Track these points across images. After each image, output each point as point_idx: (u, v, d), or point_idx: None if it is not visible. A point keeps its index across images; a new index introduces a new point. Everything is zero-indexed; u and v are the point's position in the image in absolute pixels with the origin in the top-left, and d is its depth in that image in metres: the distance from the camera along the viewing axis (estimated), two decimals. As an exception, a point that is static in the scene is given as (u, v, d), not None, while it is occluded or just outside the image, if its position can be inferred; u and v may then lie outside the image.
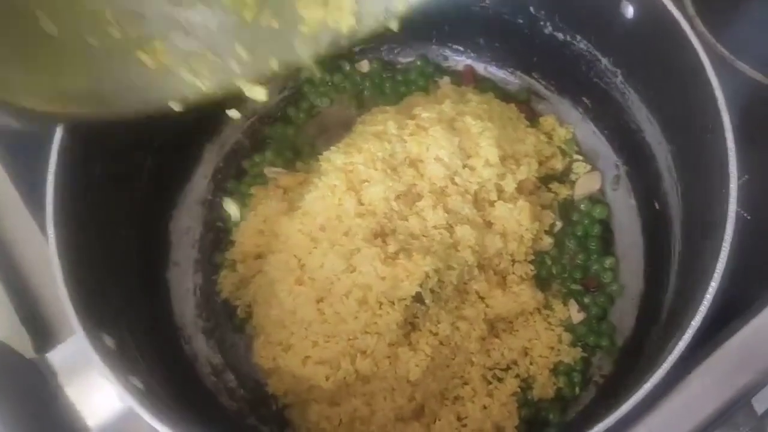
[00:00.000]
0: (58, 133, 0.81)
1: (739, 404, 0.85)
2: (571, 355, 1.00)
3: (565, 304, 1.03)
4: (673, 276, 0.93)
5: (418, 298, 0.93)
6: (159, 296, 1.04)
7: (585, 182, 1.10)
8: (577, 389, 0.99)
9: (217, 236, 1.10)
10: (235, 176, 1.13)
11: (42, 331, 0.97)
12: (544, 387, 0.98)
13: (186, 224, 1.10)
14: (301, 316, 0.93)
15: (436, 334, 0.95)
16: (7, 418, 0.70)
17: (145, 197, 1.01)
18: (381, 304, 0.91)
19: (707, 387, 0.84)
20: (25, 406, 0.72)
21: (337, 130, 1.12)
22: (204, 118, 1.08)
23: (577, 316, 1.02)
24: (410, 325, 0.95)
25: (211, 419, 0.96)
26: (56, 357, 0.76)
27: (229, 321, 1.06)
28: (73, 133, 0.82)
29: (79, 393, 0.75)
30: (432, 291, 0.93)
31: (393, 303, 0.91)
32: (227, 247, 1.08)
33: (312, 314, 0.92)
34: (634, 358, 0.95)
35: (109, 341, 0.78)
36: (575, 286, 1.04)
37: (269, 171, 1.11)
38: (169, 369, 0.92)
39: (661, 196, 0.99)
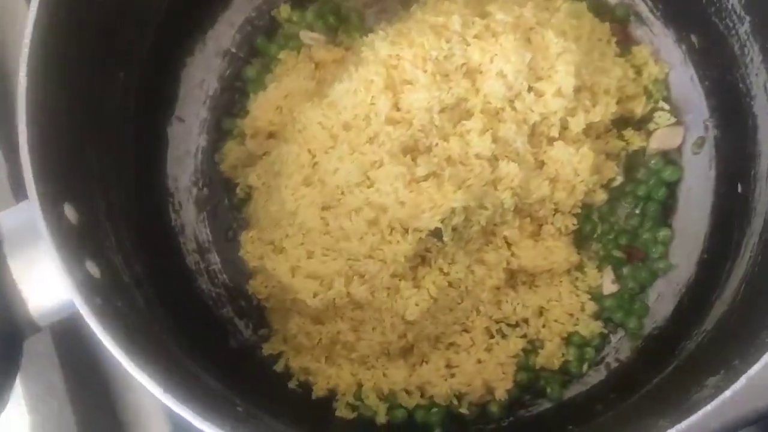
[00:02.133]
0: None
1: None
2: (589, 328, 0.89)
3: (599, 270, 0.90)
4: (735, 278, 0.79)
5: (436, 233, 0.80)
6: (153, 154, 0.92)
7: (664, 136, 0.93)
8: (585, 367, 0.88)
9: (233, 98, 0.96)
10: (266, 33, 0.97)
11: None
12: (551, 355, 0.88)
13: (200, 76, 0.96)
14: (301, 221, 0.81)
15: (446, 275, 0.83)
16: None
17: (157, 33, 0.87)
18: (393, 230, 0.79)
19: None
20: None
21: (394, 5, 0.95)
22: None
23: (609, 287, 0.90)
24: (420, 258, 0.83)
25: (180, 302, 0.86)
26: (6, 220, 0.65)
27: (227, 195, 0.95)
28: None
29: (24, 268, 0.64)
30: (454, 229, 0.80)
31: (406, 232, 0.79)
32: (241, 114, 0.94)
33: (314, 222, 0.80)
34: (660, 353, 0.83)
35: (70, 212, 0.67)
36: (617, 253, 0.91)
37: (305, 35, 0.95)
38: (144, 241, 0.81)
39: (749, 179, 0.83)
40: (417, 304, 0.81)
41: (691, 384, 0.65)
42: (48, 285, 0.64)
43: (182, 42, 0.93)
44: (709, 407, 0.58)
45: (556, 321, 0.88)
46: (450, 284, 0.84)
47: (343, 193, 0.79)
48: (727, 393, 0.58)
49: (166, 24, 0.87)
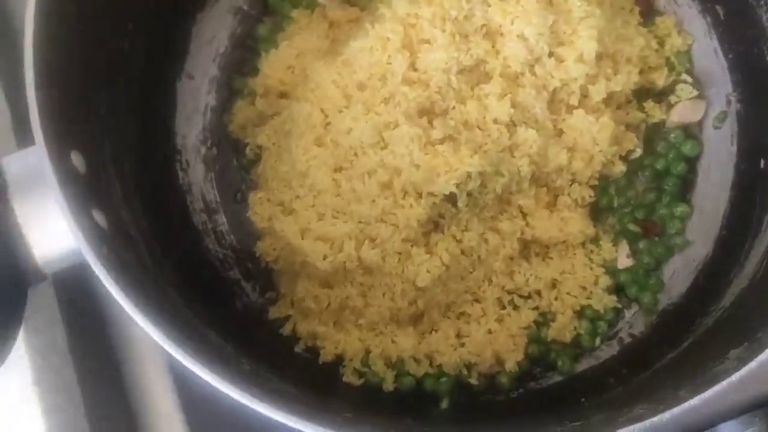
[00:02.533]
0: None
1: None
2: (602, 302, 0.87)
3: (615, 243, 0.88)
4: (756, 256, 0.77)
5: (450, 199, 0.78)
6: (161, 110, 0.90)
7: (685, 109, 0.91)
8: (597, 341, 0.87)
9: (244, 56, 0.93)
10: (279, -9, 0.94)
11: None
12: (563, 328, 0.86)
13: (211, 33, 0.93)
14: (312, 182, 0.79)
15: (459, 242, 0.81)
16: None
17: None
18: (406, 193, 0.77)
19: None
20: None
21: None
22: None
23: (624, 261, 0.88)
24: (433, 224, 0.81)
25: (187, 261, 0.84)
26: (12, 165, 0.63)
27: (235, 156, 0.93)
28: None
29: (30, 215, 0.62)
30: (469, 194, 0.78)
31: (420, 196, 0.77)
32: (251, 73, 0.92)
33: (325, 183, 0.78)
34: (676, 329, 0.81)
35: (77, 161, 0.65)
36: (633, 227, 0.89)
37: (319, -6, 0.92)
38: (150, 198, 0.79)
39: (772, 154, 0.81)
40: (428, 271, 0.79)
41: (710, 357, 0.64)
42: (54, 232, 0.62)
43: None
44: (734, 378, 0.56)
45: (568, 294, 0.87)
46: (462, 252, 0.82)
47: (356, 154, 0.77)
48: (753, 364, 0.56)
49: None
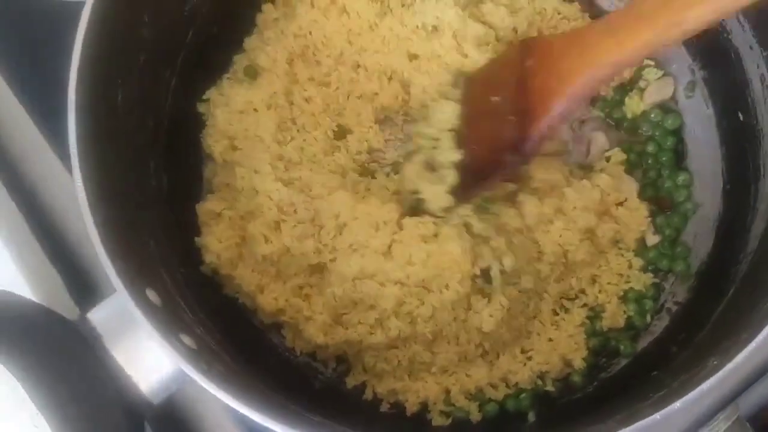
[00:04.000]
0: (75, 65, 0.71)
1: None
2: (641, 282, 0.93)
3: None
4: (764, 198, 0.84)
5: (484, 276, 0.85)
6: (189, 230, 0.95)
7: (656, 90, 0.99)
8: (648, 317, 0.93)
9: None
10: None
11: (86, 288, 0.89)
12: (614, 316, 0.92)
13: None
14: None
15: (516, 284, 0.87)
16: (54, 387, 0.64)
17: (171, 119, 0.92)
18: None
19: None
20: (71, 372, 0.65)
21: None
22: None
23: (651, 238, 0.94)
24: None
25: (261, 359, 0.90)
26: (98, 316, 0.69)
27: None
28: (92, 60, 0.73)
29: (127, 355, 0.68)
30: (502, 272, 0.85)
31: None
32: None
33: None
34: (713, 285, 0.87)
35: (153, 296, 0.71)
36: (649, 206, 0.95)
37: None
38: (216, 314, 0.85)
39: (747, 106, 0.89)
40: (491, 315, 0.85)
41: (758, 297, 0.70)
42: (153, 364, 0.68)
43: (196, 118, 0.97)
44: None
45: (609, 283, 0.92)
46: (519, 292, 0.87)
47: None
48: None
49: (178, 108, 0.93)
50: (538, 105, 0.75)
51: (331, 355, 0.92)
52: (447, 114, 0.86)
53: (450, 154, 0.84)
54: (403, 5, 0.93)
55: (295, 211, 0.86)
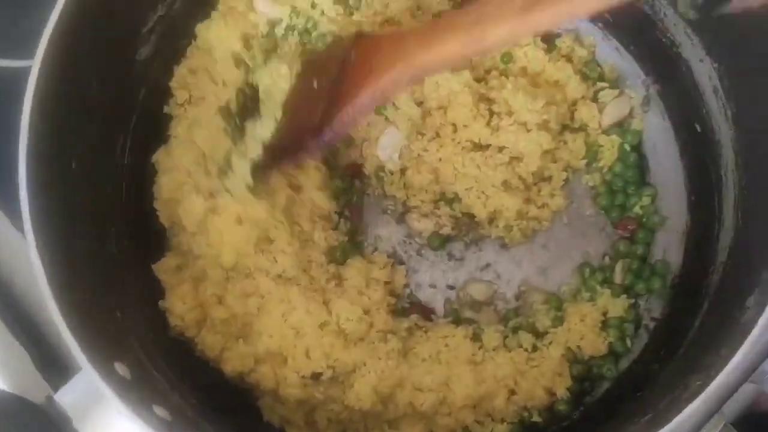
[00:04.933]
0: (23, 141, 0.70)
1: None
2: (618, 306, 0.92)
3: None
4: (729, 208, 0.84)
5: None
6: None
7: (613, 110, 0.99)
8: (628, 341, 0.91)
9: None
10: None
11: (56, 364, 0.87)
12: (594, 344, 0.90)
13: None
14: None
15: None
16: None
17: (129, 182, 0.91)
18: None
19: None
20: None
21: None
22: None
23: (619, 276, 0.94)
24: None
25: (240, 416, 0.88)
26: (66, 398, 0.67)
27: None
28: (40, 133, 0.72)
29: (100, 436, 0.66)
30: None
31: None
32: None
33: None
34: (688, 299, 0.87)
35: (122, 369, 0.69)
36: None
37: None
38: (197, 383, 0.83)
39: (703, 117, 0.89)
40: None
41: (733, 311, 0.70)
42: (126, 439, 0.66)
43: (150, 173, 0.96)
44: (762, 320, 0.62)
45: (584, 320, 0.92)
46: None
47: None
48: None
49: (131, 171, 0.92)
50: (345, 95, 0.77)
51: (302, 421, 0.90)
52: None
53: (267, 128, 0.81)
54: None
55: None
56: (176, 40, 0.96)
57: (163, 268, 0.90)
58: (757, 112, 0.78)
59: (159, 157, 0.94)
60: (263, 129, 0.81)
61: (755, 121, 0.79)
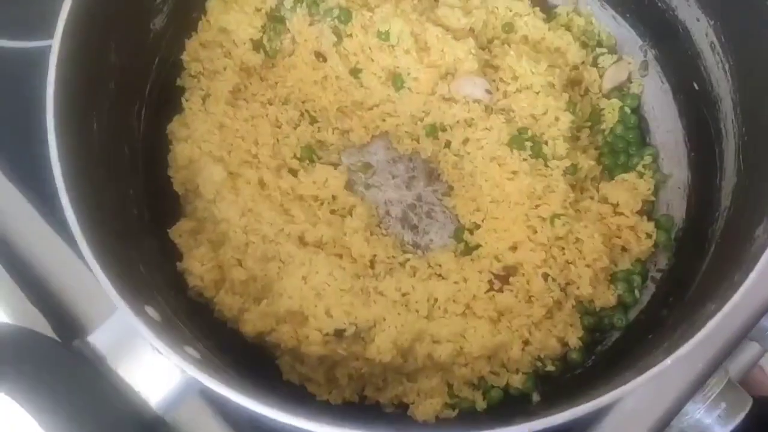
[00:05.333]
0: (50, 99, 0.72)
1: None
2: (626, 260, 0.95)
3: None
4: (730, 158, 0.87)
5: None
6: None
7: (612, 74, 1.03)
8: (637, 293, 0.94)
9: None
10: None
11: (67, 325, 0.88)
12: (605, 296, 0.93)
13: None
14: None
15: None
16: (65, 413, 0.62)
17: (145, 146, 0.93)
18: None
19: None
20: (80, 397, 0.64)
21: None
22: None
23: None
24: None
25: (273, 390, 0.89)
26: (99, 339, 0.68)
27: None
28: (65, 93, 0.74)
29: (133, 372, 0.67)
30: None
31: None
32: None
33: None
34: (694, 247, 0.90)
35: (152, 313, 0.71)
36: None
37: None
38: (220, 341, 0.85)
39: (701, 75, 0.93)
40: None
41: (740, 243, 0.73)
42: (160, 379, 0.67)
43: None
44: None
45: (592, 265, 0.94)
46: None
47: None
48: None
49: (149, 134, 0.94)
50: None
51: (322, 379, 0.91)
52: None
53: None
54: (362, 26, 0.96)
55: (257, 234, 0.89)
56: (188, 12, 0.98)
57: (179, 232, 0.92)
58: (755, 60, 0.82)
59: (173, 126, 0.96)
60: None
61: (753, 69, 0.82)
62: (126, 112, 0.91)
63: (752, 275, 0.65)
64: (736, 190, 0.84)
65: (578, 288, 0.90)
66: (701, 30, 0.91)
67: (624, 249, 0.93)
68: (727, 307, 0.66)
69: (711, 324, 0.65)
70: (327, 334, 0.86)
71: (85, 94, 0.80)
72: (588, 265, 0.90)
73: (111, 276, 0.68)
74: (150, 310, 0.71)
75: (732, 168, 0.86)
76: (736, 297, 0.65)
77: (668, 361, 0.64)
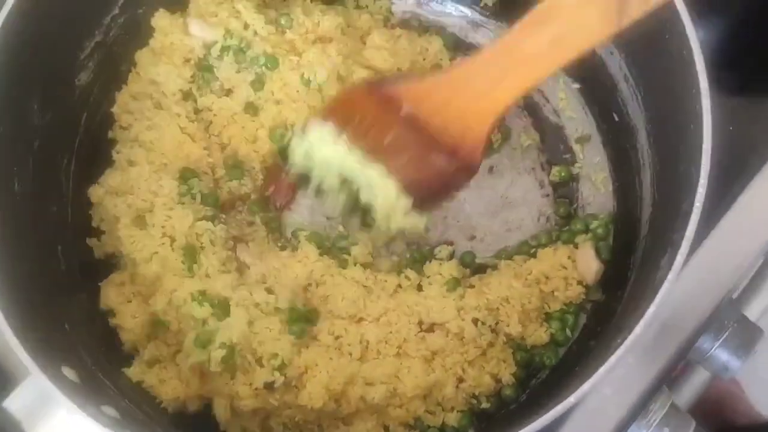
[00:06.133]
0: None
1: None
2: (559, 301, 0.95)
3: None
4: (647, 187, 0.89)
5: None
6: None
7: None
8: (569, 332, 0.94)
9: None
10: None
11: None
12: (537, 335, 0.93)
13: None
14: None
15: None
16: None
17: (75, 202, 0.94)
18: None
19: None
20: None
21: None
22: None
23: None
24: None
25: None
26: (14, 404, 0.68)
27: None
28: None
29: (50, 437, 0.67)
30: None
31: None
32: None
33: None
34: (621, 275, 0.91)
35: (70, 373, 0.71)
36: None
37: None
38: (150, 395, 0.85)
39: (619, 106, 0.95)
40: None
41: (651, 273, 0.74)
42: (76, 439, 0.67)
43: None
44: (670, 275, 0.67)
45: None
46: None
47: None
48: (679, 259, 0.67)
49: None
50: (462, 140, 0.80)
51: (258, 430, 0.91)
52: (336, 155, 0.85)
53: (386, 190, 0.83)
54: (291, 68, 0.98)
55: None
56: (116, 65, 0.99)
57: (111, 285, 0.92)
58: (660, 92, 0.84)
59: (93, 190, 0.95)
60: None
61: (659, 99, 0.85)
62: (52, 168, 0.91)
63: (651, 309, 0.67)
64: (652, 220, 0.86)
65: (508, 326, 0.91)
66: (615, 62, 0.93)
67: (553, 293, 0.94)
68: (629, 340, 0.67)
69: (612, 359, 0.66)
70: (257, 388, 0.86)
71: (5, 154, 0.81)
72: (517, 307, 0.91)
73: (25, 339, 0.68)
74: (67, 371, 0.71)
75: (648, 198, 0.88)
76: (638, 329, 0.66)
77: (571, 398, 0.65)
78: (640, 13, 0.68)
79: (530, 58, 0.76)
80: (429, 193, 0.84)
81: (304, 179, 0.88)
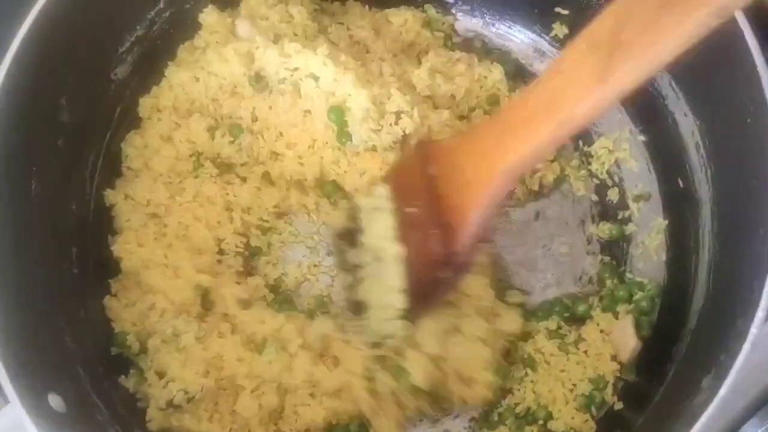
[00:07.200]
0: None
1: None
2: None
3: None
4: (703, 272, 0.81)
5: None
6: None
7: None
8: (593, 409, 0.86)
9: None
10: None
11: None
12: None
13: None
14: None
15: None
16: None
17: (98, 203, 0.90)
18: None
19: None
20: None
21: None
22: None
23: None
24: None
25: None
26: (-4, 427, 0.66)
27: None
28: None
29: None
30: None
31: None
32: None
33: None
34: (658, 360, 0.83)
35: (56, 402, 0.68)
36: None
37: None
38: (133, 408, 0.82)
39: (686, 172, 0.86)
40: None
41: (690, 387, 0.67)
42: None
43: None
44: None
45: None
46: None
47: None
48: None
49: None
50: (454, 219, 0.73)
51: None
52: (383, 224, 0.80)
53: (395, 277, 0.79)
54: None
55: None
56: (156, 60, 0.95)
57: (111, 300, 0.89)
58: (732, 176, 0.75)
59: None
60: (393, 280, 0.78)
61: (730, 185, 0.75)
62: (77, 166, 0.88)
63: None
64: (703, 316, 0.77)
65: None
66: (688, 126, 0.84)
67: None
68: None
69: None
70: None
71: (24, 154, 0.78)
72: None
73: (9, 365, 0.65)
74: (55, 399, 0.68)
75: (703, 286, 0.80)
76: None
77: None
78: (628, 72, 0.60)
79: (521, 124, 0.68)
80: (422, 286, 0.78)
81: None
